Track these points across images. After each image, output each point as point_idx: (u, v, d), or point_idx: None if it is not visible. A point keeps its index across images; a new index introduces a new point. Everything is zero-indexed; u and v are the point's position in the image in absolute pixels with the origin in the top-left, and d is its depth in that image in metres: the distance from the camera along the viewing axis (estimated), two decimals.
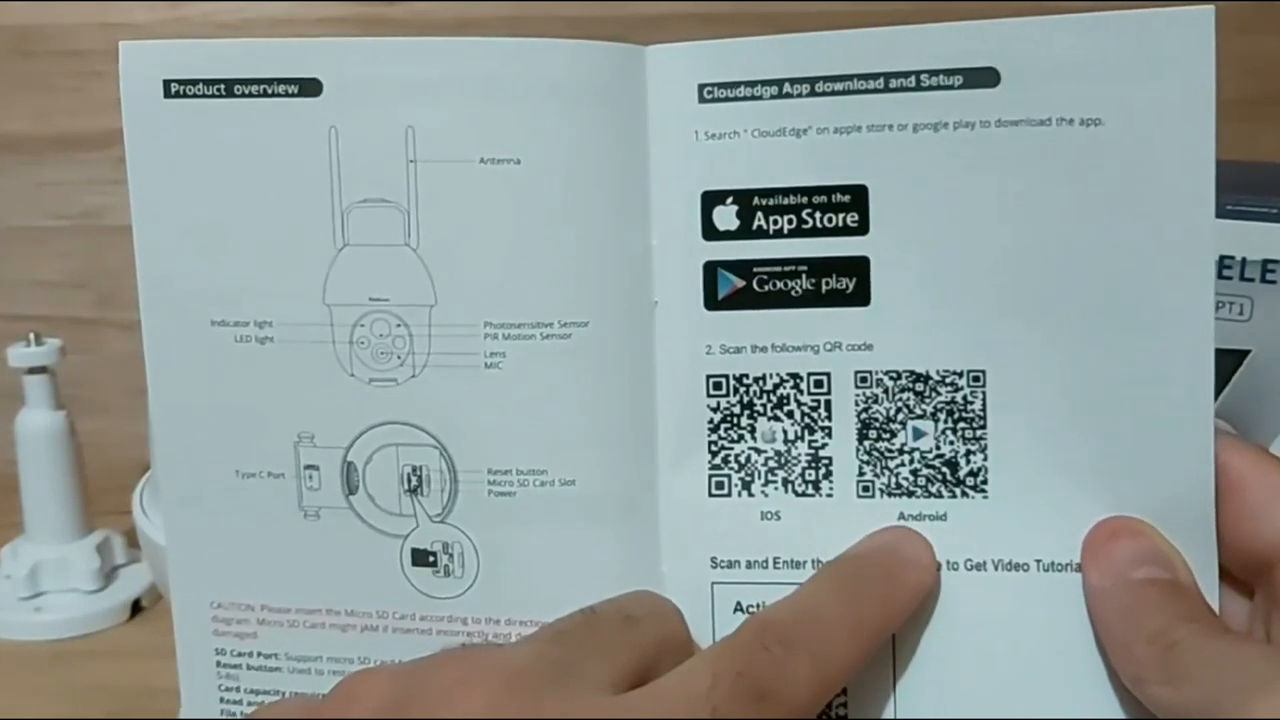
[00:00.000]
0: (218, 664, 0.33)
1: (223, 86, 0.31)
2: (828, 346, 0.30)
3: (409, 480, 0.31)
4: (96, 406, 0.64)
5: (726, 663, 0.25)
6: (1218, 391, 0.31)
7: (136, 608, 0.56)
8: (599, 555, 0.31)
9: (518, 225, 0.30)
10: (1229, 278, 0.40)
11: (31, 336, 0.56)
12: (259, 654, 0.32)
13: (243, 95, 0.31)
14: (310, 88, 0.31)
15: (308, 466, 0.32)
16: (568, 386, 0.31)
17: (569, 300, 0.31)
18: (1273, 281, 0.40)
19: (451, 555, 0.31)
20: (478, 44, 0.30)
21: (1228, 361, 0.41)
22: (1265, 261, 0.40)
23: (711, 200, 0.30)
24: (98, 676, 0.51)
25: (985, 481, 0.29)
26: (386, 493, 0.32)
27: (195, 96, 0.31)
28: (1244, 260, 0.40)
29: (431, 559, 0.32)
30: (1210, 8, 0.28)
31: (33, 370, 0.56)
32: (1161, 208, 0.28)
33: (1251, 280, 0.40)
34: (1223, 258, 0.40)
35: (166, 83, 0.31)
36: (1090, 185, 0.28)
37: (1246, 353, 0.41)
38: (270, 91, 0.31)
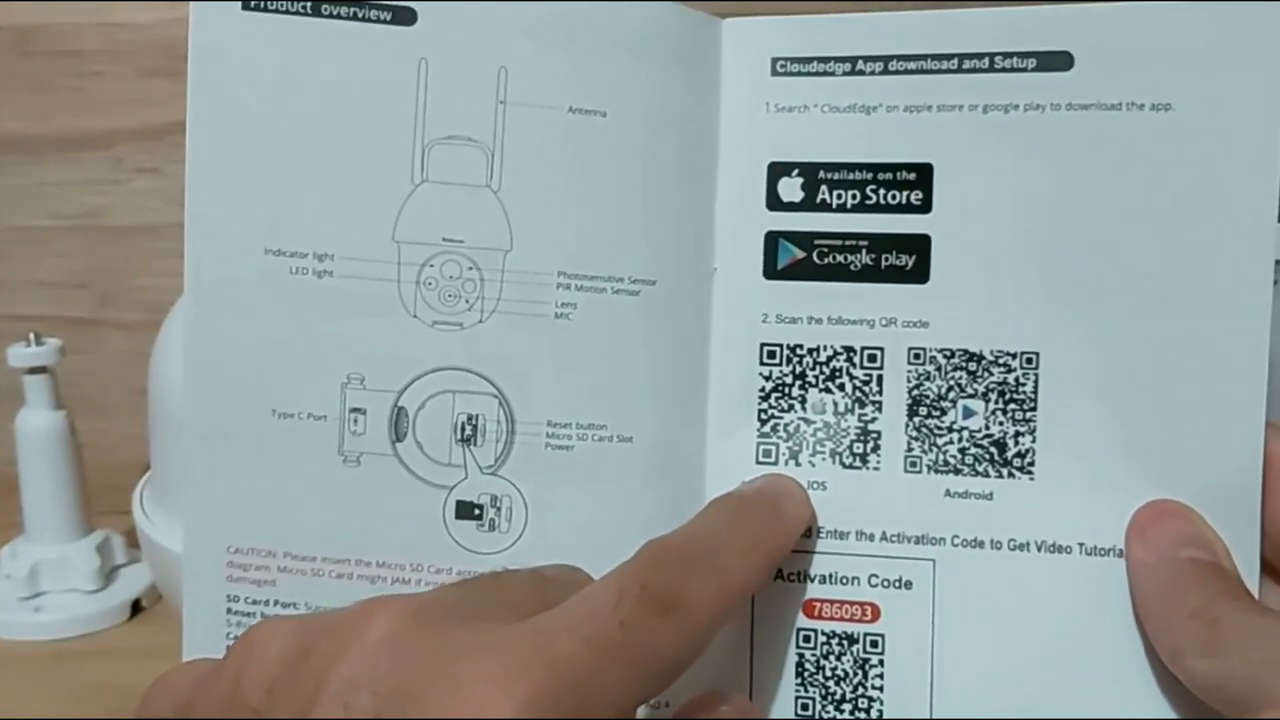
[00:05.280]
0: (228, 610, 0.31)
1: (309, 5, 0.30)
2: (883, 322, 0.30)
3: (463, 429, 0.31)
4: (96, 406, 0.64)
5: (630, 579, 0.24)
6: None
7: (136, 608, 0.56)
8: (646, 515, 0.30)
9: (600, 178, 0.30)
10: None
11: (31, 336, 0.55)
12: (277, 603, 0.31)
13: (330, 16, 0.30)
14: (404, 16, 0.30)
15: (354, 409, 0.30)
16: (633, 343, 0.31)
17: (641, 257, 0.31)
18: (1274, 281, 0.40)
19: (499, 509, 0.31)
20: None
21: None
22: None
23: (778, 171, 0.31)
24: (98, 676, 0.50)
25: (1032, 463, 0.30)
26: (437, 441, 0.31)
27: (277, 12, 0.30)
28: None
29: (477, 512, 0.31)
30: None
31: (33, 370, 0.55)
32: (1226, 195, 0.28)
33: None
34: None
35: None
36: (1156, 170, 0.29)
37: None
38: (361, 16, 0.30)
